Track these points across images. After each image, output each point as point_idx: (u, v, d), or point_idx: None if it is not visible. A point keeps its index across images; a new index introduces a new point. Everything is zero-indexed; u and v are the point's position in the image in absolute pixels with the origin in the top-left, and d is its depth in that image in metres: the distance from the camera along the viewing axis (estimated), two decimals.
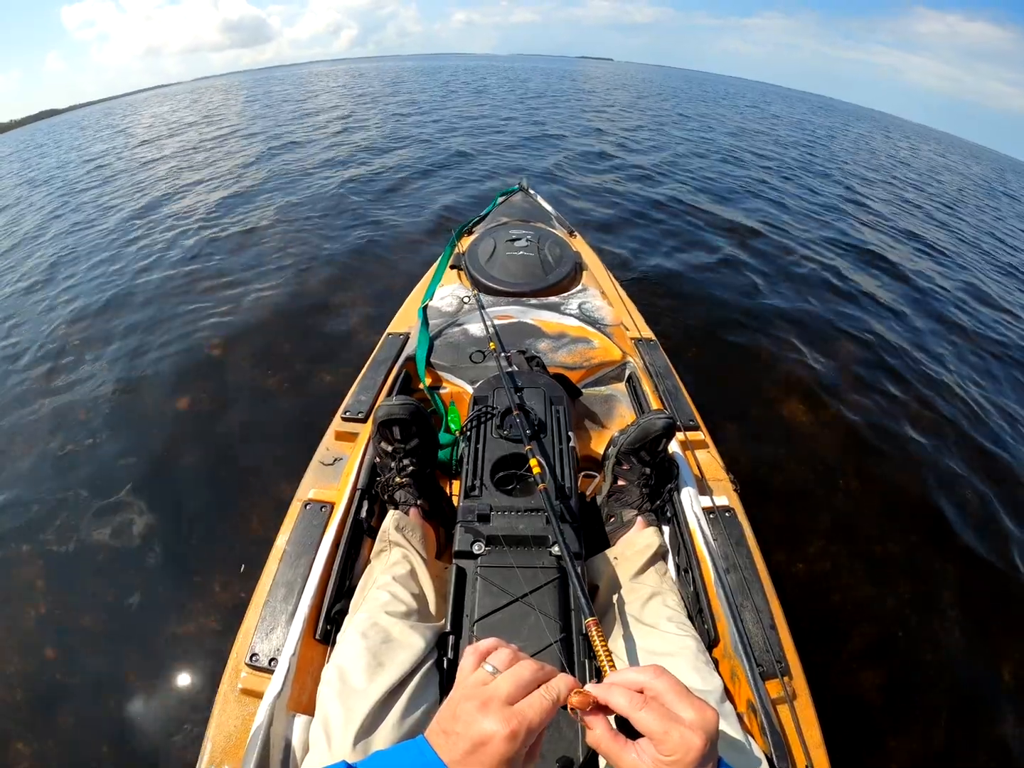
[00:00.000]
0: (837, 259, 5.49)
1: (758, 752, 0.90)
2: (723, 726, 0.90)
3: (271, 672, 1.05)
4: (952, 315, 4.76)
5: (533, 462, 1.20)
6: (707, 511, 1.39)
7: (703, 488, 1.48)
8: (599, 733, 0.57)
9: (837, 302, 4.54)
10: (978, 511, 2.64)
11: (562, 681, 0.58)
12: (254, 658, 1.09)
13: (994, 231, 8.79)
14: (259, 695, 1.01)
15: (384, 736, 0.86)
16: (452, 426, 1.39)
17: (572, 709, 0.57)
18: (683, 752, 0.52)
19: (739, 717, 1.00)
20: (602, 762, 0.89)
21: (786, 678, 1.10)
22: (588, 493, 1.60)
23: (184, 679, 1.81)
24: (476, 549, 1.15)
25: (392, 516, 1.28)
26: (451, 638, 1.04)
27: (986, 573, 2.33)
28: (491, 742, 0.52)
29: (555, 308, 2.08)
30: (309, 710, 0.97)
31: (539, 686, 0.57)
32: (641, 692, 0.57)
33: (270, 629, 1.14)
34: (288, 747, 0.94)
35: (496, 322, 1.94)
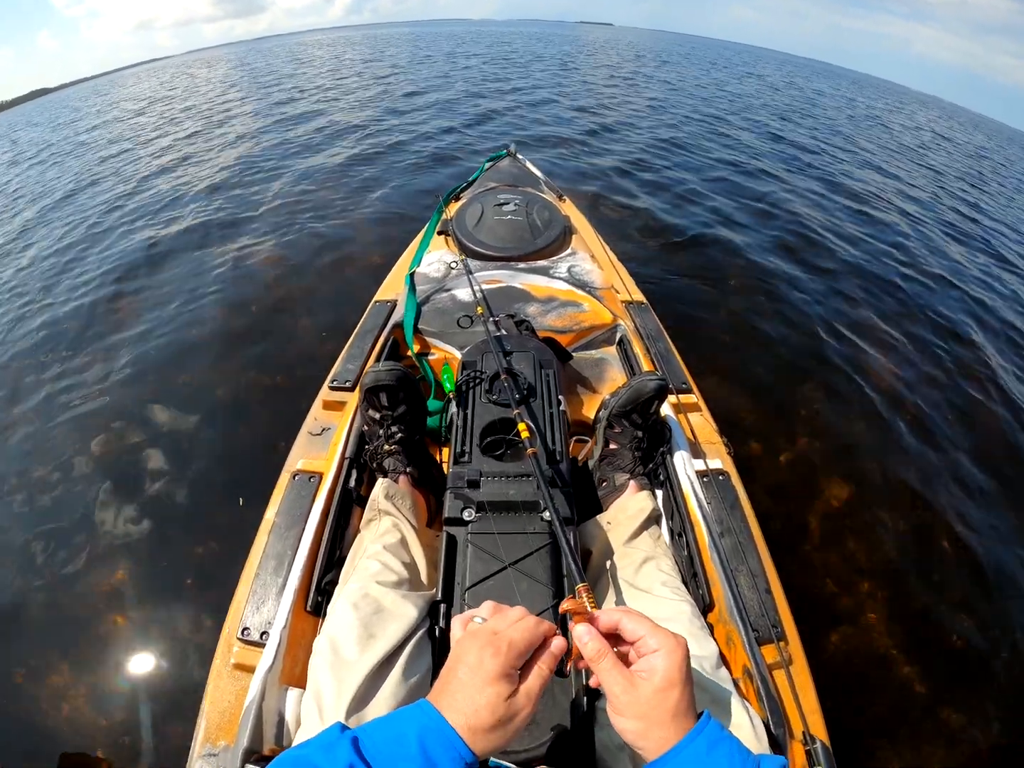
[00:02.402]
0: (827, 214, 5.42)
1: (755, 717, 0.87)
2: (719, 691, 0.88)
3: (263, 646, 1.02)
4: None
5: (522, 426, 1.16)
6: (700, 474, 1.35)
7: (696, 451, 1.44)
8: (597, 646, 0.61)
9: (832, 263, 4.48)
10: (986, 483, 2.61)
11: (546, 623, 0.64)
12: (245, 632, 1.06)
13: None
14: (252, 669, 0.99)
15: (378, 707, 0.83)
16: (448, 387, 1.33)
17: (565, 612, 0.66)
18: (671, 645, 0.59)
19: (735, 683, 0.96)
20: (597, 733, 0.86)
21: (782, 643, 1.08)
22: (580, 458, 1.56)
23: (178, 655, 1.78)
24: (466, 516, 1.11)
25: (381, 484, 1.24)
26: (442, 606, 1.01)
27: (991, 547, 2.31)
28: (481, 662, 0.57)
29: (544, 272, 2.02)
30: (302, 683, 0.94)
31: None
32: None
33: (261, 602, 1.10)
34: (281, 721, 0.92)
35: (484, 287, 1.88)
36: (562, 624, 0.97)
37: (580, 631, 0.63)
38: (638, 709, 0.57)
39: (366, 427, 1.38)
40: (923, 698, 1.79)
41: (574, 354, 1.77)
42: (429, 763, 0.51)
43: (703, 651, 0.95)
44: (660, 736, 0.56)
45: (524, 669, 0.60)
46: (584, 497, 1.37)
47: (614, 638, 0.64)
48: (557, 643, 0.63)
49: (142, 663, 1.76)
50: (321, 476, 1.32)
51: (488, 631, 0.61)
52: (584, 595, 0.69)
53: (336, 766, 0.49)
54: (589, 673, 0.92)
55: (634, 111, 10.20)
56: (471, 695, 0.55)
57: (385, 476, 1.29)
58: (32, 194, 7.39)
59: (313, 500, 1.26)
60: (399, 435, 1.30)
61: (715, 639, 1.03)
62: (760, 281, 3.93)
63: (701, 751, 0.55)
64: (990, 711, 1.77)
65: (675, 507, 1.31)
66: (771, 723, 0.91)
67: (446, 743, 0.52)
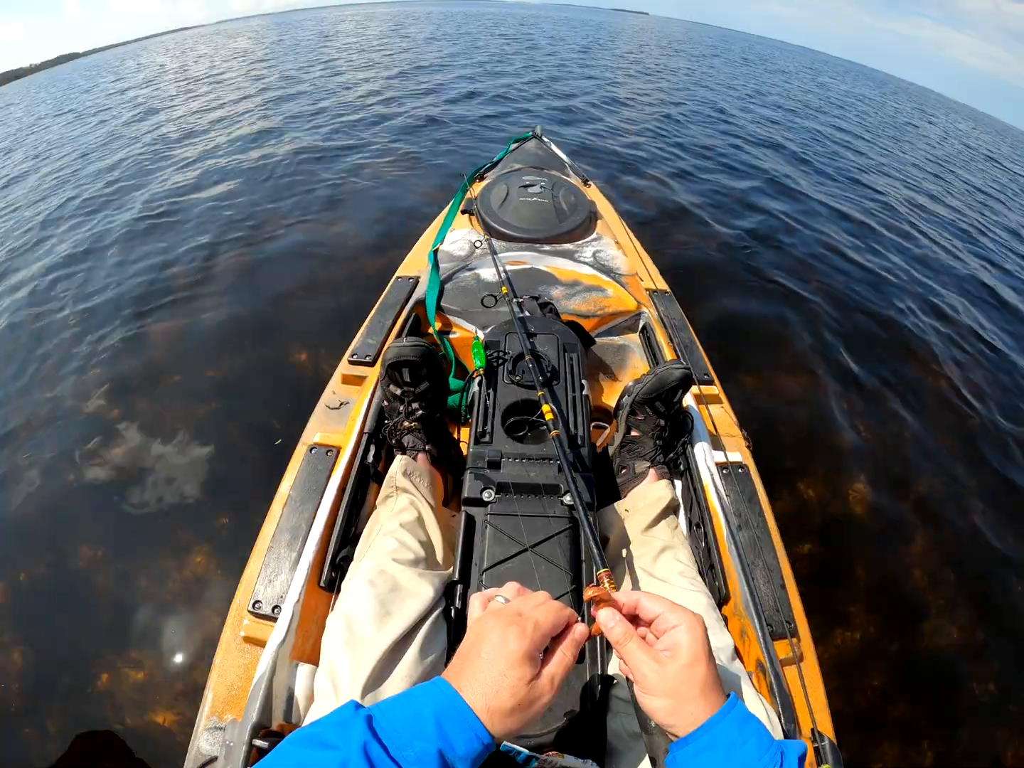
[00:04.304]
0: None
1: (769, 710, 0.85)
2: (735, 683, 0.87)
3: (274, 620, 1.00)
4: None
5: (546, 408, 1.13)
6: (720, 466, 1.33)
7: (716, 443, 1.42)
8: (623, 630, 0.61)
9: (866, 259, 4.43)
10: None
11: (569, 609, 0.63)
12: (257, 606, 1.05)
13: None
14: (262, 644, 0.97)
15: (394, 686, 0.82)
16: (478, 363, 1.31)
17: (589, 600, 0.64)
18: (690, 620, 0.59)
19: (748, 676, 0.95)
20: (609, 721, 0.84)
21: (794, 639, 1.07)
22: (599, 444, 1.53)
23: (186, 626, 1.78)
24: (486, 496, 1.09)
25: (400, 461, 1.22)
26: (459, 587, 0.99)
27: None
28: (505, 642, 0.55)
29: (569, 255, 1.98)
30: (313, 659, 0.93)
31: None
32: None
33: (273, 576, 1.09)
34: (291, 697, 0.90)
35: (508, 268, 1.84)
36: (577, 601, 0.96)
37: (604, 616, 0.62)
38: (667, 686, 0.57)
39: (386, 403, 1.35)
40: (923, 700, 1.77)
41: (596, 339, 1.74)
42: (446, 742, 0.49)
43: (719, 643, 0.94)
44: (691, 712, 0.56)
45: (546, 654, 0.59)
46: (602, 484, 1.34)
47: (633, 621, 0.64)
48: (580, 630, 0.62)
49: (144, 636, 1.76)
50: (338, 450, 1.30)
51: (513, 611, 0.60)
52: (606, 581, 0.68)
53: (350, 745, 0.47)
54: (605, 660, 0.92)
55: (671, 101, 10.03)
56: (493, 676, 0.54)
57: (404, 453, 1.27)
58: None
59: (330, 474, 1.24)
60: (419, 412, 1.28)
61: (730, 632, 1.02)
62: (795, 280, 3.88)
63: (733, 727, 0.55)
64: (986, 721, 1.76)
65: (694, 498, 1.28)
66: (782, 718, 0.90)
67: (463, 723, 0.51)
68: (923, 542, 2.21)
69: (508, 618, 0.58)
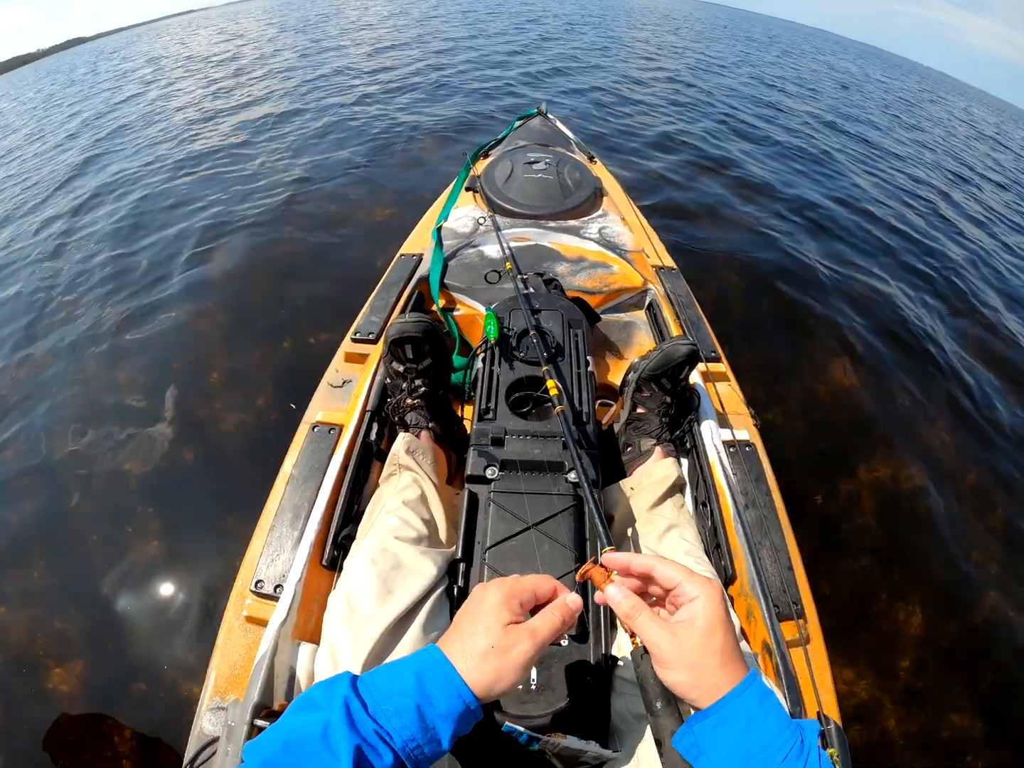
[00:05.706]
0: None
1: (776, 692, 0.83)
2: None
3: (276, 599, 0.99)
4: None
5: (550, 383, 1.11)
6: (727, 444, 1.30)
7: (723, 421, 1.39)
8: (632, 603, 0.60)
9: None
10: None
11: (554, 579, 0.65)
12: (259, 585, 1.04)
13: None
14: (264, 623, 0.96)
15: None
16: (493, 335, 1.28)
17: (582, 578, 0.65)
18: (709, 591, 0.58)
19: (753, 657, 0.93)
20: (614, 702, 0.83)
21: (801, 620, 1.04)
22: (604, 422, 1.50)
23: (189, 606, 1.77)
24: (489, 474, 1.07)
25: (402, 439, 1.20)
26: (462, 565, 0.97)
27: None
28: (484, 595, 0.59)
29: (574, 232, 1.93)
30: (315, 638, 0.92)
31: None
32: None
33: (276, 555, 1.07)
34: (293, 677, 0.88)
35: (513, 244, 1.80)
36: (582, 587, 0.94)
37: (612, 591, 0.61)
38: (685, 659, 0.56)
39: (389, 380, 1.33)
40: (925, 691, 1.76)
41: (602, 316, 1.71)
42: (425, 698, 0.51)
43: None
44: (712, 683, 0.55)
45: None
46: (607, 462, 1.32)
47: (645, 584, 0.64)
48: (572, 598, 0.62)
49: (148, 616, 1.75)
50: (341, 428, 1.28)
51: (501, 580, 0.63)
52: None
53: (333, 700, 0.50)
54: (609, 641, 0.90)
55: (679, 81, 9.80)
56: (470, 622, 0.57)
57: (407, 430, 1.24)
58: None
59: (332, 452, 1.23)
60: (423, 389, 1.25)
61: (736, 612, 1.00)
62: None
63: (754, 700, 0.54)
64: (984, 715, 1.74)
65: (700, 476, 1.26)
66: (788, 700, 0.88)
67: (444, 680, 0.53)
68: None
69: (492, 583, 0.62)
